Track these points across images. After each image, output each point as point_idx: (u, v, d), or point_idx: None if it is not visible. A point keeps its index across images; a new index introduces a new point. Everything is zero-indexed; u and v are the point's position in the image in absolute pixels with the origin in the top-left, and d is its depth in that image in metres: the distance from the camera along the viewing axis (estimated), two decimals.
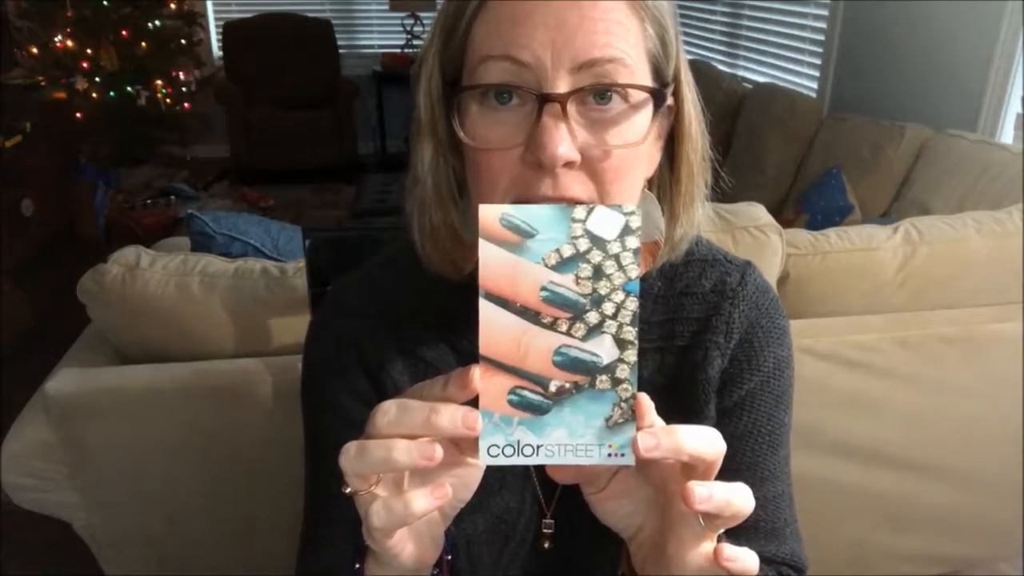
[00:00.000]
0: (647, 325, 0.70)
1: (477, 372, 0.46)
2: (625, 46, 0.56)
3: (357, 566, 0.55)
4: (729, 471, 0.69)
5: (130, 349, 1.41)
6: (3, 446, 1.31)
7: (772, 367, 0.71)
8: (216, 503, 1.44)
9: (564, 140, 0.54)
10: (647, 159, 0.62)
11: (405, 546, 0.50)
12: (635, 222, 0.45)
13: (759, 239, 1.40)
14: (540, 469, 0.71)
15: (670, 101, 0.62)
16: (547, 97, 0.54)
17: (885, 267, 1.50)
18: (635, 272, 0.46)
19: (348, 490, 0.48)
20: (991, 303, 1.56)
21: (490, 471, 0.69)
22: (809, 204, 2.76)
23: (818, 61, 3.35)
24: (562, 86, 0.55)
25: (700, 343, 0.70)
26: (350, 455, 0.47)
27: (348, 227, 2.39)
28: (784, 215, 2.86)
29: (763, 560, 0.69)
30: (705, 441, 0.47)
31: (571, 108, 0.55)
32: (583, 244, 0.45)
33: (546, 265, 0.45)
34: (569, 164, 0.55)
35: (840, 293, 1.51)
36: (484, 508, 0.70)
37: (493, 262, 0.45)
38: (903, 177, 2.51)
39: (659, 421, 0.48)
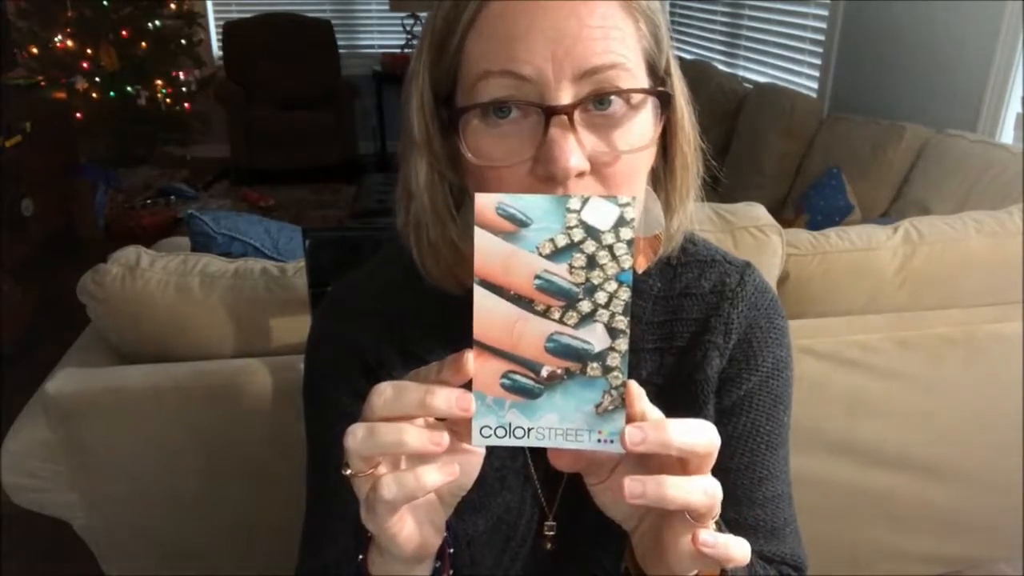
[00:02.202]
0: (646, 326, 0.69)
1: (471, 356, 0.46)
2: (623, 49, 0.56)
3: (360, 557, 0.56)
4: (728, 471, 0.70)
5: (130, 349, 1.41)
6: (3, 446, 1.31)
7: (771, 367, 0.71)
8: (216, 503, 1.44)
9: (574, 151, 0.54)
10: (649, 157, 0.62)
11: (404, 526, 0.50)
12: (630, 213, 0.46)
13: (759, 239, 1.40)
14: (541, 469, 0.71)
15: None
16: (553, 110, 0.54)
17: (885, 267, 1.50)
18: (628, 262, 0.46)
19: (349, 471, 0.49)
20: (991, 303, 1.56)
21: (490, 471, 0.69)
22: (809, 204, 2.76)
23: (818, 61, 3.36)
24: (565, 97, 0.54)
25: (699, 343, 0.70)
26: (357, 436, 0.47)
27: (348, 227, 2.39)
28: (784, 215, 2.86)
29: (763, 559, 0.70)
30: (695, 435, 0.47)
31: (577, 117, 0.55)
32: (577, 234, 0.46)
33: (540, 254, 0.46)
34: (580, 174, 0.55)
35: (840, 293, 1.51)
36: (485, 509, 0.71)
37: (488, 250, 0.46)
38: (903, 177, 2.51)
39: (650, 408, 0.48)
